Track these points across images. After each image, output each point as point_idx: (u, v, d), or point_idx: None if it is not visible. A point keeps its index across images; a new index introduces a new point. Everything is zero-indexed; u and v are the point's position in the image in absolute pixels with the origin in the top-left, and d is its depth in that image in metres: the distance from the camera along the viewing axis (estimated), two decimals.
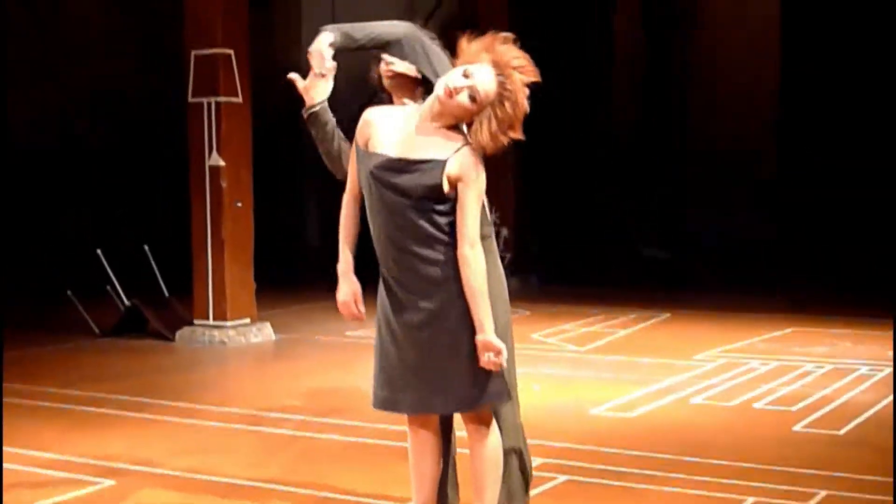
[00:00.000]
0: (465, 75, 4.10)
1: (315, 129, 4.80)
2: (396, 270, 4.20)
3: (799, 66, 16.90)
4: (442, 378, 4.22)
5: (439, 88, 4.13)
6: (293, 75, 4.74)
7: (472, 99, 4.09)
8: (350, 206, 4.42)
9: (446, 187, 4.11)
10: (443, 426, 4.62)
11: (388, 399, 4.32)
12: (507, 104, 4.10)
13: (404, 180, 4.12)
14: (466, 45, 4.21)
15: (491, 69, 4.12)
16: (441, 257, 4.15)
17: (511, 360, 4.58)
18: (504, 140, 4.13)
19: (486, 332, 4.13)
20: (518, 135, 4.15)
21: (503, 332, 4.35)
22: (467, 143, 4.14)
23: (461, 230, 4.12)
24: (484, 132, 4.10)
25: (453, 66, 4.21)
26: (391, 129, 4.23)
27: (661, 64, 17.96)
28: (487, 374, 4.22)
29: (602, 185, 17.96)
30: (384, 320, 4.30)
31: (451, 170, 4.10)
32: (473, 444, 4.40)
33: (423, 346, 4.22)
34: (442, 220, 4.13)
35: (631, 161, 18.06)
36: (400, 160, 4.14)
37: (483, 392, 4.24)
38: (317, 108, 4.77)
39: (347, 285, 4.41)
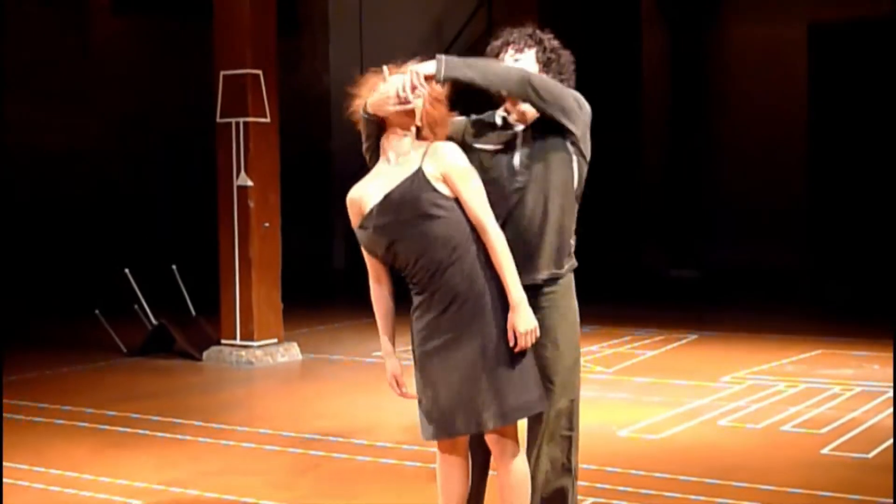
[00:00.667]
0: (391, 73, 4.33)
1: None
2: (429, 295, 4.28)
3: (828, 96, 16.86)
4: (487, 391, 4.26)
5: (388, 104, 4.29)
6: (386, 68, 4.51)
7: (413, 89, 4.25)
8: (376, 290, 4.51)
9: (441, 188, 4.24)
10: (478, 448, 4.63)
11: (440, 426, 4.35)
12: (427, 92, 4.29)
13: (400, 208, 4.23)
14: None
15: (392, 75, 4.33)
16: (466, 261, 4.25)
17: (575, 399, 4.74)
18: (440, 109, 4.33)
19: (515, 296, 4.26)
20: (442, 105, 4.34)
21: (572, 366, 4.67)
22: (428, 141, 4.31)
23: (476, 221, 4.26)
24: (425, 116, 4.30)
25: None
26: (370, 189, 4.34)
27: (690, 87, 17.93)
28: (525, 381, 4.30)
29: (631, 205, 17.95)
30: (420, 351, 4.37)
31: (431, 171, 4.24)
32: (501, 469, 4.41)
33: (460, 364, 4.27)
34: (454, 217, 4.24)
35: (659, 182, 18.03)
36: (386, 197, 4.27)
37: (524, 400, 4.30)
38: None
39: (388, 367, 4.53)
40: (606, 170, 17.40)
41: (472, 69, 4.36)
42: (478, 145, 4.61)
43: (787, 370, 9.95)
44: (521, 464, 4.41)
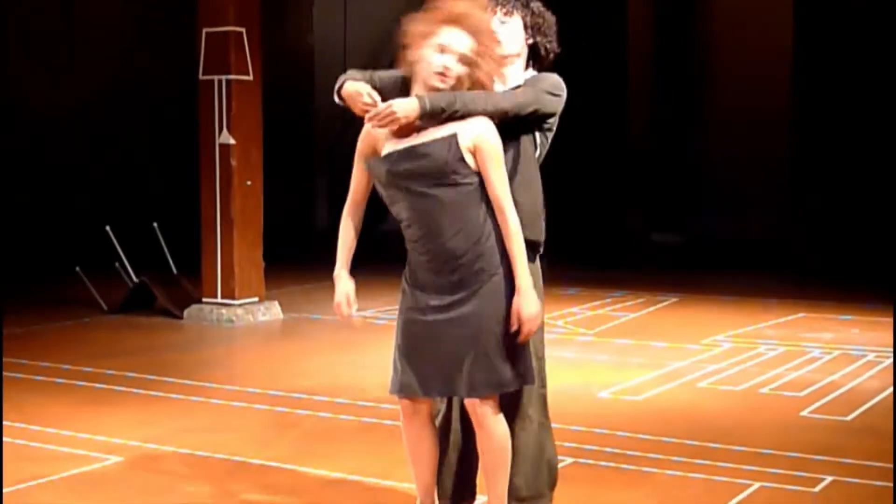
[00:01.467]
0: (442, 50, 4.20)
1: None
2: (429, 257, 4.26)
3: (813, 65, 16.82)
4: (471, 360, 4.25)
5: (429, 78, 4.20)
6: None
7: (464, 62, 4.21)
8: (350, 212, 4.52)
9: (469, 158, 4.20)
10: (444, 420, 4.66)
11: (409, 384, 4.35)
12: (485, 57, 4.24)
13: (423, 163, 4.19)
14: (415, 26, 4.28)
15: (457, 31, 4.22)
16: (473, 232, 4.23)
17: (542, 357, 4.69)
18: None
19: (523, 281, 4.24)
20: (502, 77, 4.35)
21: (539, 354, 4.61)
22: None
23: (495, 201, 4.23)
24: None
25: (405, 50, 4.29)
26: (393, 132, 4.29)
27: (675, 55, 17.87)
28: (515, 356, 4.30)
29: (615, 170, 17.92)
30: (413, 306, 4.35)
31: (465, 141, 4.19)
32: (481, 435, 4.40)
33: (452, 328, 4.26)
34: (469, 189, 4.21)
35: (644, 147, 18.01)
36: (412, 147, 4.22)
37: (509, 374, 4.30)
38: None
39: (341, 286, 4.48)
40: (591, 135, 17.52)
41: (454, 102, 4.27)
42: None
43: (767, 333, 9.97)
44: (501, 427, 4.40)
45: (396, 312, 4.44)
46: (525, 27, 4.61)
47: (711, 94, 17.72)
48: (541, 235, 4.63)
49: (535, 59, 4.68)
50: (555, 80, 4.60)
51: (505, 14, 4.58)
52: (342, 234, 4.52)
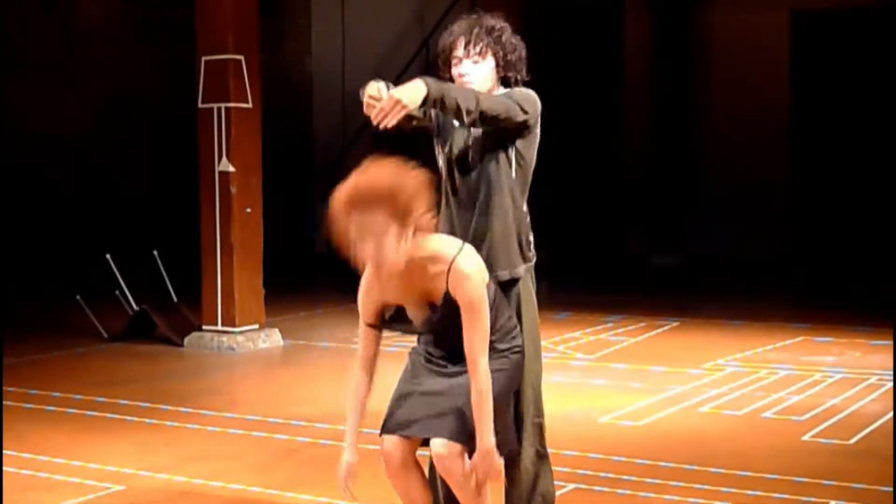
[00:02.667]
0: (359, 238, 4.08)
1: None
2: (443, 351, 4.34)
3: (810, 82, 16.87)
4: (460, 408, 4.23)
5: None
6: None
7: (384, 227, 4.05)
8: (357, 379, 4.47)
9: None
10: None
11: (401, 424, 4.34)
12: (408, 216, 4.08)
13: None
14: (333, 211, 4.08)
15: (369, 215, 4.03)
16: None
17: (538, 387, 4.71)
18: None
19: (486, 442, 4.16)
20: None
21: (535, 384, 4.65)
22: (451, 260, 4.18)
23: (467, 352, 4.17)
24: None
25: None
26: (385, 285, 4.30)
27: (673, 73, 17.89)
28: (503, 422, 4.31)
29: (613, 192, 17.94)
30: (423, 353, 4.42)
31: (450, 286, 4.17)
32: (446, 476, 4.34)
33: (453, 378, 4.29)
34: None
35: (642, 169, 18.03)
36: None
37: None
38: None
39: (345, 457, 4.49)
40: (589, 157, 17.56)
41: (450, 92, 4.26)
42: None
43: (768, 357, 9.96)
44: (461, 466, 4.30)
45: (396, 346, 4.44)
46: (497, 65, 4.59)
47: (709, 113, 17.73)
48: (517, 266, 4.62)
49: (506, 85, 4.67)
50: (527, 95, 4.59)
51: (478, 55, 4.54)
52: (351, 394, 4.46)
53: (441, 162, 4.67)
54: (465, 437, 4.21)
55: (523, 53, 4.64)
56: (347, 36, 17.86)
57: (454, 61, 4.56)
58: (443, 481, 4.69)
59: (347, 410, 4.46)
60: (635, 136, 18.10)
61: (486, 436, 4.16)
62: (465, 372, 4.23)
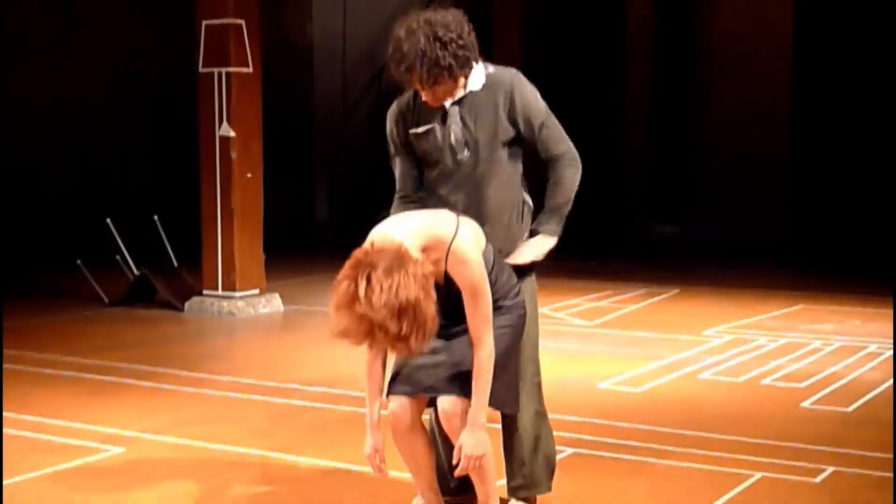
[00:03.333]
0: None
1: None
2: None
3: (813, 70, 16.81)
4: (463, 364, 4.26)
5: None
6: None
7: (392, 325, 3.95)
8: (372, 364, 4.44)
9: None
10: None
11: (408, 384, 4.36)
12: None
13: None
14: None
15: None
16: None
17: (535, 345, 4.76)
18: None
19: (479, 417, 4.22)
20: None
21: (533, 342, 4.73)
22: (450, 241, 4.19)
23: (473, 331, 4.21)
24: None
25: None
26: None
27: (675, 61, 17.83)
28: (506, 379, 4.34)
29: (615, 188, 17.88)
30: None
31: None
32: (452, 433, 4.37)
33: (455, 339, 4.31)
34: None
35: (645, 139, 17.99)
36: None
37: (494, 394, 4.28)
38: None
39: (371, 439, 4.46)
40: (591, 154, 17.47)
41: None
42: (412, 130, 4.67)
43: (768, 324, 9.98)
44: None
45: None
46: (455, 77, 4.51)
47: (711, 105, 17.64)
48: (516, 238, 4.70)
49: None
50: (533, 92, 4.69)
51: (434, 84, 4.49)
52: (369, 381, 4.44)
53: (432, 143, 4.65)
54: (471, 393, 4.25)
55: (473, 40, 4.54)
56: (348, 1, 17.80)
57: (415, 86, 4.57)
58: (444, 443, 4.72)
59: (368, 396, 4.46)
60: (636, 131, 18.04)
61: (480, 411, 4.21)
62: (466, 331, 4.26)
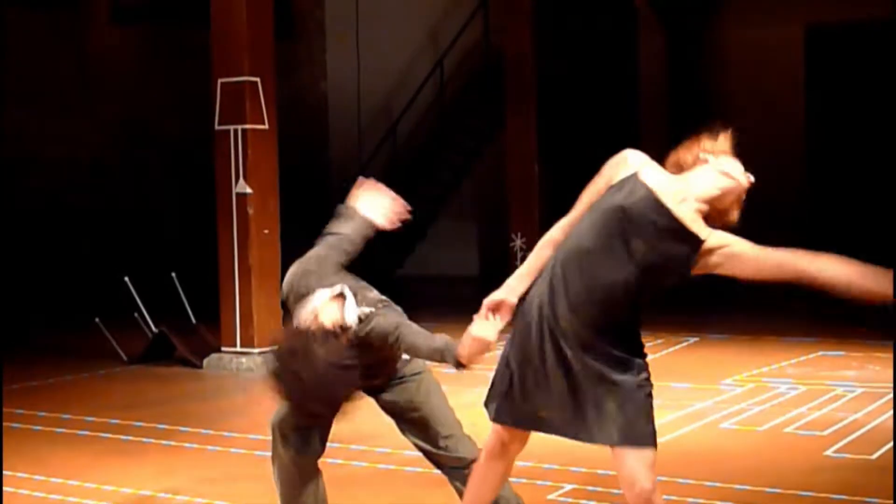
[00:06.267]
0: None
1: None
2: (576, 319, 4.22)
3: (825, 98, 16.84)
4: (594, 409, 4.19)
5: (739, 176, 4.50)
6: None
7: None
8: (546, 247, 4.34)
9: (693, 262, 4.28)
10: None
11: (530, 417, 4.20)
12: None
13: (660, 230, 4.22)
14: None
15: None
16: (628, 326, 4.52)
17: None
18: None
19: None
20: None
21: None
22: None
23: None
24: (735, 215, 4.52)
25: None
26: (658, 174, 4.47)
27: (687, 89, 17.88)
28: (637, 415, 4.23)
29: None
30: (543, 347, 4.18)
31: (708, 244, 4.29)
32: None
33: (578, 378, 4.21)
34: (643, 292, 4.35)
35: None
36: (663, 206, 4.27)
37: (631, 431, 4.22)
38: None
39: (504, 293, 4.24)
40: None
41: None
42: None
43: (788, 372, 9.92)
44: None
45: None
46: None
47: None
48: None
49: None
50: None
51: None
52: (535, 257, 4.34)
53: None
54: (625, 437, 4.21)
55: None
56: (362, 58, 17.90)
57: None
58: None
59: (525, 270, 4.29)
60: (650, 153, 18.07)
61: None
62: (590, 366, 4.20)
